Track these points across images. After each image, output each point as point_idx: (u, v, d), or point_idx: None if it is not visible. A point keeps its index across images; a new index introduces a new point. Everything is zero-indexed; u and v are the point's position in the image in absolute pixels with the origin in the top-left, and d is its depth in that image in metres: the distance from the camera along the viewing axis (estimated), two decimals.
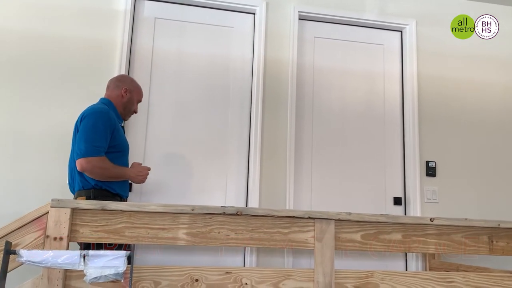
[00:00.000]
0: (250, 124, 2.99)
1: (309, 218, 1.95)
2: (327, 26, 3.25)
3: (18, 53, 2.72)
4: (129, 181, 2.35)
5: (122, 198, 2.30)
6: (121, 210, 1.82)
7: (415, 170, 3.11)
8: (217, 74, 3.05)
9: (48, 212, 1.76)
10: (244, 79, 3.06)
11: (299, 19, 3.15)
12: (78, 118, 2.23)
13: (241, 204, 2.91)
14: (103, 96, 2.39)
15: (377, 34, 3.32)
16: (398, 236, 2.04)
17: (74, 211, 1.79)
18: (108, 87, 2.41)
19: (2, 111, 2.64)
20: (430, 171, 3.14)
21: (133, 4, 2.94)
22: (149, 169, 2.35)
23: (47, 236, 1.74)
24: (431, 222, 2.06)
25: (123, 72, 2.79)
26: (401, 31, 3.34)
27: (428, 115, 3.21)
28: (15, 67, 2.71)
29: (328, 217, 1.96)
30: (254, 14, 3.12)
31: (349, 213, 1.98)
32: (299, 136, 3.06)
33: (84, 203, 1.81)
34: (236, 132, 3.02)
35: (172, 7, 3.07)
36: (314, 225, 1.95)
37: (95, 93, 2.71)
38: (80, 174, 2.16)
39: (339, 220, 1.97)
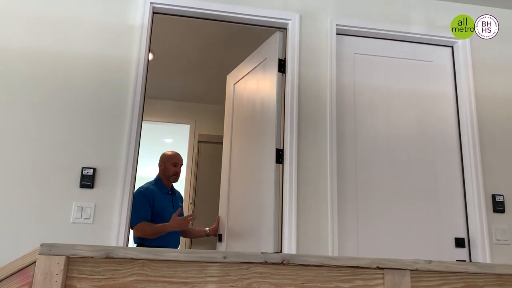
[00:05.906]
0: (283, 152, 2.56)
1: (377, 268, 1.48)
2: (368, 41, 2.87)
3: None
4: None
5: None
6: (131, 258, 1.39)
7: (480, 206, 2.62)
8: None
9: (35, 262, 1.34)
10: (271, 105, 2.66)
11: (337, 33, 2.78)
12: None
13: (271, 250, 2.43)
14: None
15: (424, 49, 2.91)
16: None
17: (71, 260, 1.37)
18: None
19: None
20: (498, 206, 2.64)
21: (151, 19, 2.61)
22: (189, 217, 2.90)
23: None
24: None
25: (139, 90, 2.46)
26: (452, 46, 2.93)
27: (491, 140, 2.75)
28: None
29: (402, 267, 1.49)
30: (286, 29, 2.77)
31: (429, 261, 1.51)
32: (341, 166, 2.61)
33: (83, 248, 1.39)
34: (265, 163, 2.60)
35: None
36: (383, 277, 1.49)
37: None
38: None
39: (416, 270, 1.50)
